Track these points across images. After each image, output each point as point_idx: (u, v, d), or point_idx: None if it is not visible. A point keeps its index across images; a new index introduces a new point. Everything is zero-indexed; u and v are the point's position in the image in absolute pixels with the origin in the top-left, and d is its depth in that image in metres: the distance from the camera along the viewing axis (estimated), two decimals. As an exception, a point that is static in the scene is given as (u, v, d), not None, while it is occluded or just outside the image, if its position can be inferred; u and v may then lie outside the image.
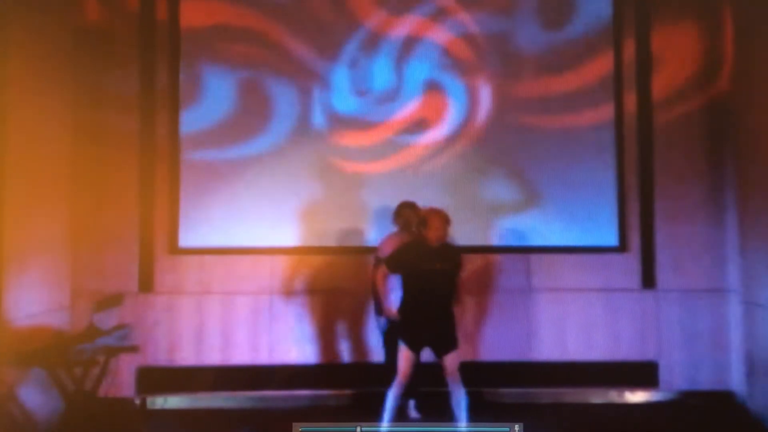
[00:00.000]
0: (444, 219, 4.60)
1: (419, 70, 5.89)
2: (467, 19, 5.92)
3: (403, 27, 5.91)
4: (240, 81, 5.86)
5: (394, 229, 5.43)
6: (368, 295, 5.43)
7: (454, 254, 4.70)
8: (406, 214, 5.31)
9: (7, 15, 4.55)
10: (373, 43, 5.90)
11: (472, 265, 5.77)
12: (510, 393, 5.69)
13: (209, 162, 5.82)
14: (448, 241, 4.76)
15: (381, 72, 5.90)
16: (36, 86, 4.90)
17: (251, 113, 5.86)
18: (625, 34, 5.91)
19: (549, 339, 5.78)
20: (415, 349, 4.52)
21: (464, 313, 5.42)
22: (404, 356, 4.52)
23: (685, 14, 5.90)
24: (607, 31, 5.92)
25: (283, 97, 5.87)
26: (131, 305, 5.57)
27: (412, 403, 5.27)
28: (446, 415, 4.50)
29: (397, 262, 4.65)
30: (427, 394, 5.12)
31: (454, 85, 5.91)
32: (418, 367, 4.57)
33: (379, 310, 5.04)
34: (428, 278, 4.55)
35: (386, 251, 5.29)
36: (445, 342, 4.53)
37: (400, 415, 5.21)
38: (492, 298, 5.81)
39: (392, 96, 5.89)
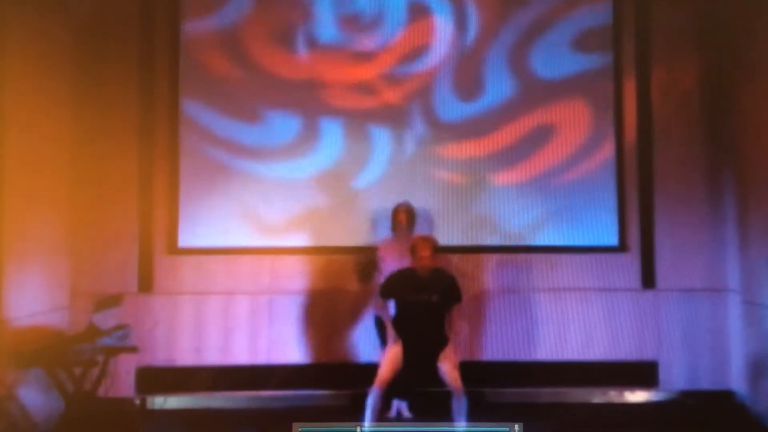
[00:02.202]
0: (429, 246, 4.52)
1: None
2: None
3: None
4: (241, 80, 5.87)
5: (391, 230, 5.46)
6: (367, 295, 5.47)
7: (445, 283, 4.60)
8: (401, 219, 5.33)
9: (6, 14, 4.54)
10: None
11: (472, 265, 5.79)
12: (510, 393, 5.68)
13: (209, 161, 5.81)
14: (441, 269, 4.72)
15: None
16: (35, 86, 4.90)
17: (252, 114, 5.86)
18: (626, 32, 5.92)
19: (549, 339, 5.78)
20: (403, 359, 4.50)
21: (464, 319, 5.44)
22: (386, 360, 4.49)
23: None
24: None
25: (282, 96, 5.87)
26: (131, 305, 5.56)
27: (404, 404, 5.28)
28: (442, 415, 4.49)
29: (387, 289, 4.64)
30: (424, 394, 5.12)
31: (452, 84, 5.92)
32: (405, 371, 4.54)
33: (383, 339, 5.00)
34: (413, 308, 4.52)
35: (383, 254, 5.30)
36: (430, 365, 4.47)
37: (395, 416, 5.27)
38: (492, 297, 5.81)
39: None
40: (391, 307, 4.69)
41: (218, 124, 5.84)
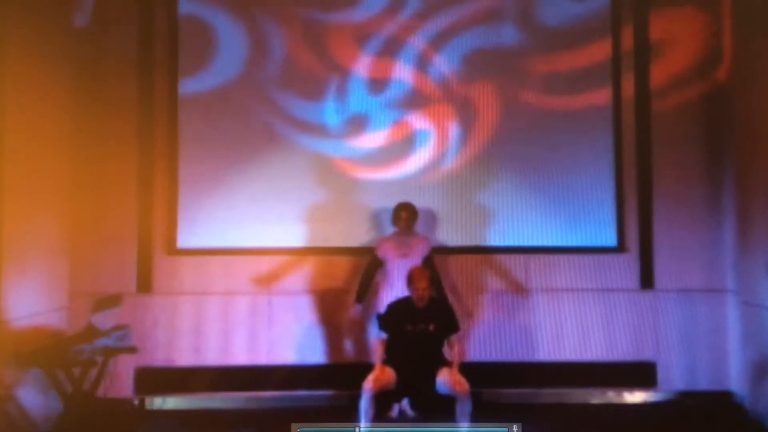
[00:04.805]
0: (425, 278, 4.56)
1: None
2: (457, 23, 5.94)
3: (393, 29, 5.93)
4: (240, 80, 5.88)
5: (392, 229, 5.47)
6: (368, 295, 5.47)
7: (441, 314, 4.64)
8: (401, 215, 5.35)
9: (5, 14, 4.54)
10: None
11: (470, 265, 5.80)
12: (508, 393, 5.68)
13: (208, 162, 5.82)
14: (438, 299, 4.76)
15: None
16: (34, 86, 4.90)
17: (252, 111, 5.87)
18: (624, 22, 5.91)
19: (547, 339, 5.78)
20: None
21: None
22: (376, 372, 4.48)
23: (684, 7, 5.91)
24: (604, 23, 5.91)
25: (280, 95, 5.88)
26: (130, 306, 5.56)
27: (405, 401, 5.28)
28: (445, 415, 4.49)
29: (385, 321, 4.67)
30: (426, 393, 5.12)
31: (449, 87, 5.93)
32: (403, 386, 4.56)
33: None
34: (410, 338, 4.55)
35: (383, 251, 5.32)
36: (428, 386, 4.50)
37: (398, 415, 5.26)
38: (490, 298, 5.81)
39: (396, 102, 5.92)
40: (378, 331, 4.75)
41: (218, 124, 5.84)
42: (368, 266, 5.42)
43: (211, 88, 5.85)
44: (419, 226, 5.53)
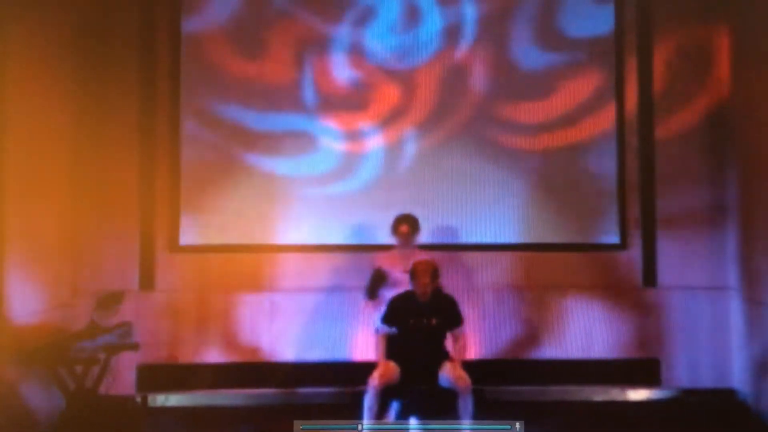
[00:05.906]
0: (428, 272, 4.53)
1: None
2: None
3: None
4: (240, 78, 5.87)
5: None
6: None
7: (445, 307, 4.63)
8: (401, 229, 5.10)
9: (7, 13, 4.54)
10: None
11: (473, 262, 5.80)
12: (511, 391, 5.67)
13: (210, 159, 5.81)
14: (442, 293, 4.73)
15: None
16: (36, 85, 4.90)
17: (251, 110, 5.86)
18: (627, 39, 5.90)
19: (550, 337, 5.77)
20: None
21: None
22: (380, 369, 4.49)
23: (687, 21, 5.89)
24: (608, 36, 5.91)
25: (281, 95, 5.87)
26: (132, 303, 5.55)
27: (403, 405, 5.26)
28: (448, 413, 4.49)
29: (388, 316, 4.66)
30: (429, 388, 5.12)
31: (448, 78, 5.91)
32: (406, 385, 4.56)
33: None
34: (413, 332, 4.55)
35: (386, 264, 5.19)
36: (431, 381, 4.50)
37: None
38: (493, 295, 5.80)
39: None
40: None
41: (219, 122, 5.83)
42: (372, 279, 5.13)
43: (211, 86, 5.85)
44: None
